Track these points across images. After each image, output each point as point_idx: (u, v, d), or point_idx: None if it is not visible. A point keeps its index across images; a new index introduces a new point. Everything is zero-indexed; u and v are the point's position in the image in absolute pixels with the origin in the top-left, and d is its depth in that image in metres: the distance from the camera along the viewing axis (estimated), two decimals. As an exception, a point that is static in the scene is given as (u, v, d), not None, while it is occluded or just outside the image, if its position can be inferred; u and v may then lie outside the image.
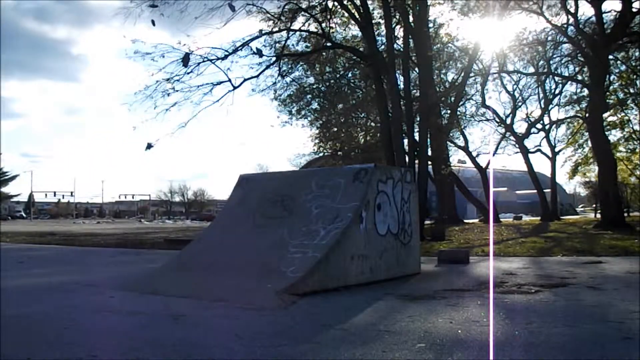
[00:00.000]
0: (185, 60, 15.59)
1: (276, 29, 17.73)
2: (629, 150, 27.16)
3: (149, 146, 15.75)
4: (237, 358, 3.16)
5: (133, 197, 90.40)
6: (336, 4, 17.17)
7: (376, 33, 17.95)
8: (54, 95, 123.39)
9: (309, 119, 25.72)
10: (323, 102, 24.81)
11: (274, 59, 17.59)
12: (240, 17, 16.89)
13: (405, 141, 17.19)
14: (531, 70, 25.78)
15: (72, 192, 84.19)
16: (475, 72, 22.44)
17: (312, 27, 18.34)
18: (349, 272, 5.95)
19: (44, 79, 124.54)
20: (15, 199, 76.20)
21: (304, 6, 17.63)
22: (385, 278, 6.43)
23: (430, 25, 18.25)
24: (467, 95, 24.22)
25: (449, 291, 5.61)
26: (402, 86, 16.73)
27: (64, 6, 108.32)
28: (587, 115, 22.69)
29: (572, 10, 19.41)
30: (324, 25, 17.48)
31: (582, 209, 56.86)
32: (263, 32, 17.35)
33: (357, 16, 16.78)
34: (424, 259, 7.94)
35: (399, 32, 18.15)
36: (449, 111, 22.68)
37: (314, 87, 23.92)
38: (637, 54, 21.47)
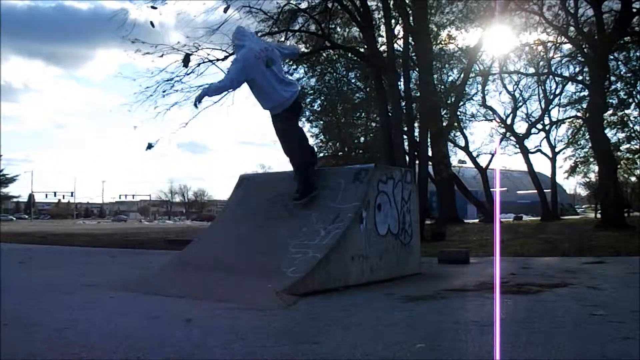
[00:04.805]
0: (186, 60, 15.61)
1: (275, 29, 17.74)
2: (631, 151, 27.19)
3: (150, 146, 15.75)
4: (237, 358, 3.16)
5: (133, 197, 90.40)
6: (336, 4, 17.17)
7: (376, 33, 17.96)
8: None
9: (310, 119, 25.77)
10: (324, 103, 24.87)
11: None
12: (240, 17, 16.90)
13: (406, 141, 17.19)
14: (531, 70, 25.85)
15: (72, 193, 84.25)
16: (475, 72, 22.47)
17: (312, 27, 18.34)
18: (349, 272, 5.95)
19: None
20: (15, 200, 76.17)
21: (303, 6, 17.63)
22: (385, 278, 6.42)
23: (431, 25, 18.26)
24: (467, 95, 24.28)
25: (449, 291, 5.61)
26: (402, 86, 16.73)
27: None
28: (587, 115, 22.71)
29: (572, 10, 19.45)
30: (323, 25, 17.49)
31: (582, 209, 56.85)
32: (261, 33, 17.35)
33: (357, 16, 16.78)
34: (424, 259, 7.94)
35: (400, 32, 18.17)
36: (449, 112, 22.70)
37: (316, 87, 23.96)
38: (638, 53, 21.50)
